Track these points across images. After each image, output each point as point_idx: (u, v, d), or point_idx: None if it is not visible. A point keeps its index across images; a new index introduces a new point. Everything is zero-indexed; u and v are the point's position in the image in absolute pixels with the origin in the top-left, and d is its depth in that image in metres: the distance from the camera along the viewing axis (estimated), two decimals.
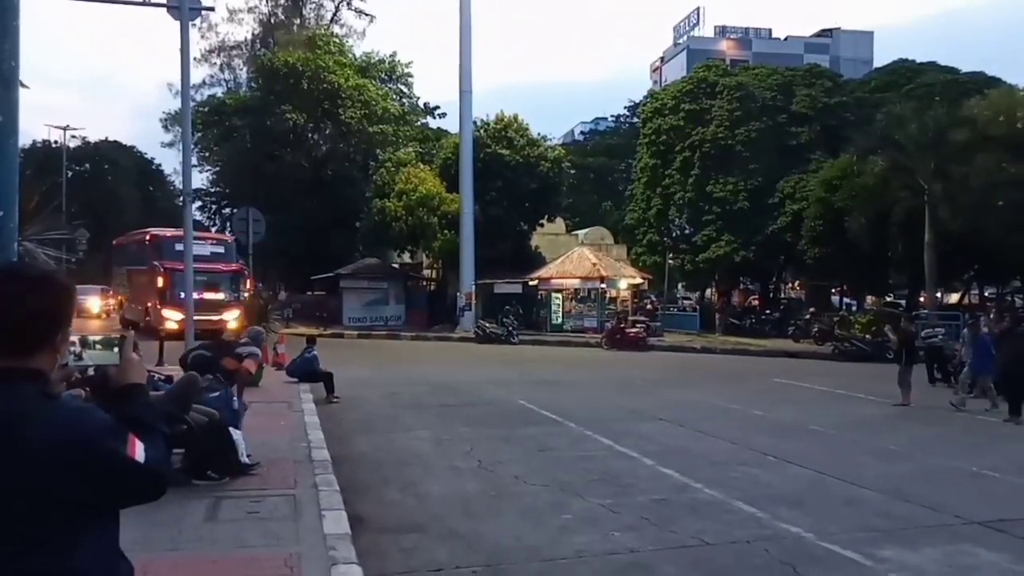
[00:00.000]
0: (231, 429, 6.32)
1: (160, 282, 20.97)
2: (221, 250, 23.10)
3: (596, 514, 6.03)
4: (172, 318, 19.32)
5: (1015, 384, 11.39)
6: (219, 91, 40.05)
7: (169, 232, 22.48)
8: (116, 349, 1.78)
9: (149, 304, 22.17)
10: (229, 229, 32.30)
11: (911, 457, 8.70)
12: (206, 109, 34.11)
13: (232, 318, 20.61)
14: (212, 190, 38.64)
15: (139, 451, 1.49)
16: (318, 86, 31.26)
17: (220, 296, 21.67)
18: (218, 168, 37.19)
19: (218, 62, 40.86)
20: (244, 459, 6.39)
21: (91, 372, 1.96)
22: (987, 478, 7.72)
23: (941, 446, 9.52)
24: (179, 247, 20.52)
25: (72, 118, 67.29)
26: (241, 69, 41.11)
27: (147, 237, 23.70)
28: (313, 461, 7.07)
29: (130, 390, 1.67)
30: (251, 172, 31.92)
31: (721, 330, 28.77)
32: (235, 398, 6.89)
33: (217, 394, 6.58)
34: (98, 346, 1.83)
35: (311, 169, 32.09)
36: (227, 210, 37.19)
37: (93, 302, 30.64)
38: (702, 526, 5.76)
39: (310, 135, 33.34)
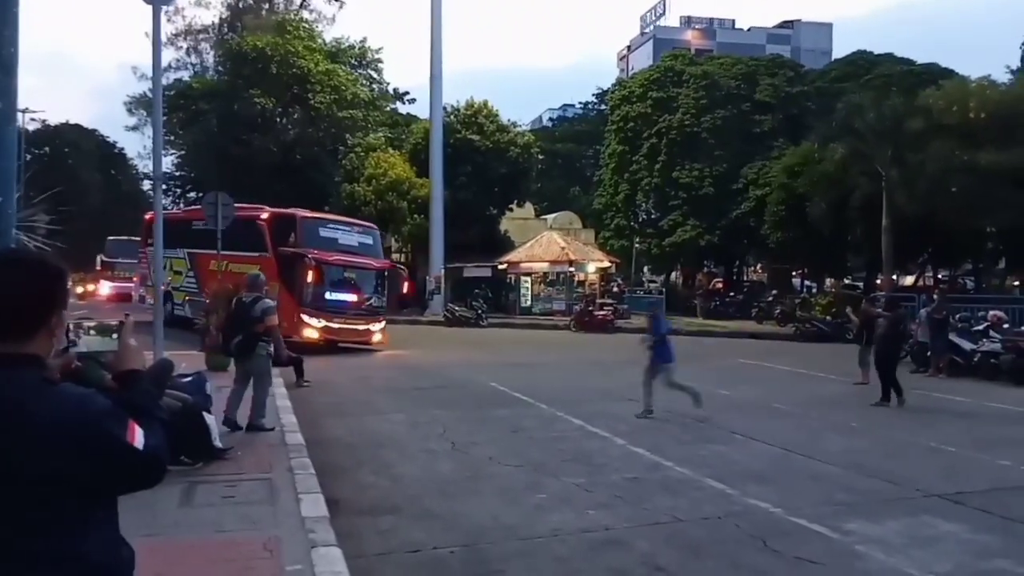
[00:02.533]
0: (204, 414, 6.24)
1: (309, 277, 15.97)
2: (370, 241, 18.17)
3: (570, 493, 6.12)
4: (314, 325, 15.63)
5: (882, 365, 11.15)
6: (185, 75, 39.29)
7: (309, 213, 17.92)
8: (115, 336, 1.76)
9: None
10: None
11: (871, 433, 8.99)
12: (172, 93, 33.29)
13: (378, 330, 17.01)
14: (177, 174, 37.75)
15: (138, 437, 1.50)
16: (287, 71, 30.76)
17: (366, 298, 17.23)
18: (183, 152, 36.38)
19: (184, 46, 40.04)
20: (217, 443, 6.32)
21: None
22: (944, 452, 8.02)
23: (899, 422, 9.84)
24: (324, 232, 17.08)
25: (24, 97, 64.51)
26: (208, 53, 40.30)
27: (262, 215, 17.47)
28: (287, 445, 7.03)
29: (128, 376, 1.67)
30: (218, 156, 31.29)
31: (704, 314, 29.07)
32: (211, 382, 6.79)
33: (190, 378, 6.48)
34: (93, 332, 1.80)
35: (279, 154, 31.58)
36: (192, 194, 36.34)
37: None
38: (674, 503, 5.88)
39: (279, 120, 32.82)
